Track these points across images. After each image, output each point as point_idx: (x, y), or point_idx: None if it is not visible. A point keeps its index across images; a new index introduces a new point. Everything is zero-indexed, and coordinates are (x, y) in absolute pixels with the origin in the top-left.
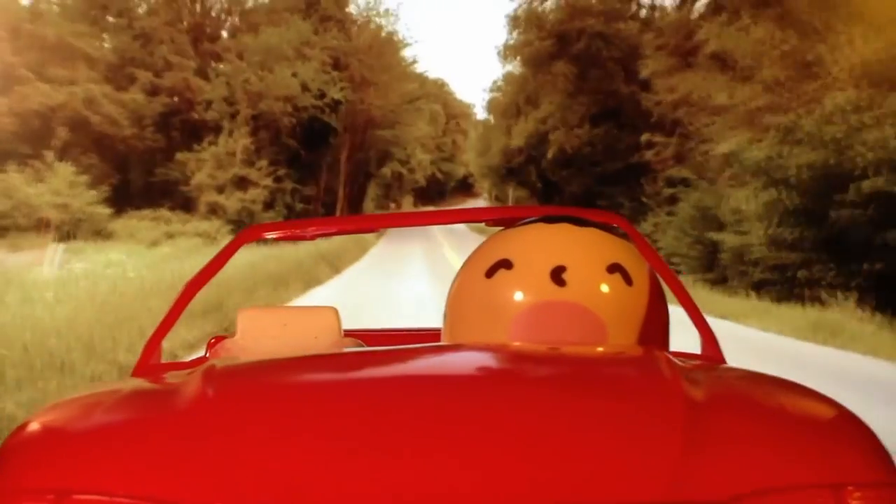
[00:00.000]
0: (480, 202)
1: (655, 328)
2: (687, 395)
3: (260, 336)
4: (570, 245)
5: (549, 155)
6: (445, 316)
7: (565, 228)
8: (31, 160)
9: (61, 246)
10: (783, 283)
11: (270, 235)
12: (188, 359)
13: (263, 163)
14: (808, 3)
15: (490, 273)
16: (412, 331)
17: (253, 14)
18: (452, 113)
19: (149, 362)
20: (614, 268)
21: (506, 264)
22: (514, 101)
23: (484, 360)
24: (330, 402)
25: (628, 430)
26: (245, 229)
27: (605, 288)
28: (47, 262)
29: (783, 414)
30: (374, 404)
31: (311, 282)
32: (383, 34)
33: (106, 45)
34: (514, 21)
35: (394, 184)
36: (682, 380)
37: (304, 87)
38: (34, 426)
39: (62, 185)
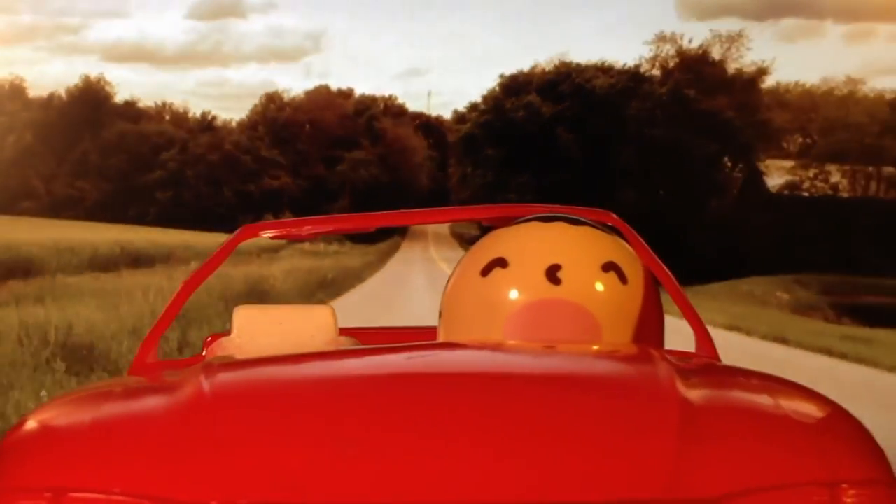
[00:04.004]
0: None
1: (650, 326)
2: (681, 393)
3: (256, 335)
4: (565, 244)
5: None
6: (441, 314)
7: (560, 227)
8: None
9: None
10: None
11: (267, 234)
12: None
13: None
14: None
15: (485, 272)
16: (408, 329)
17: (343, 138)
18: None
19: (145, 361)
20: (609, 266)
21: (501, 263)
22: (462, 170)
23: (479, 358)
24: (327, 400)
25: (623, 428)
26: (242, 228)
27: (599, 286)
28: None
29: (778, 412)
30: (370, 402)
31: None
32: (396, 102)
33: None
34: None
35: None
36: (676, 378)
37: (371, 175)
38: (31, 424)
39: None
